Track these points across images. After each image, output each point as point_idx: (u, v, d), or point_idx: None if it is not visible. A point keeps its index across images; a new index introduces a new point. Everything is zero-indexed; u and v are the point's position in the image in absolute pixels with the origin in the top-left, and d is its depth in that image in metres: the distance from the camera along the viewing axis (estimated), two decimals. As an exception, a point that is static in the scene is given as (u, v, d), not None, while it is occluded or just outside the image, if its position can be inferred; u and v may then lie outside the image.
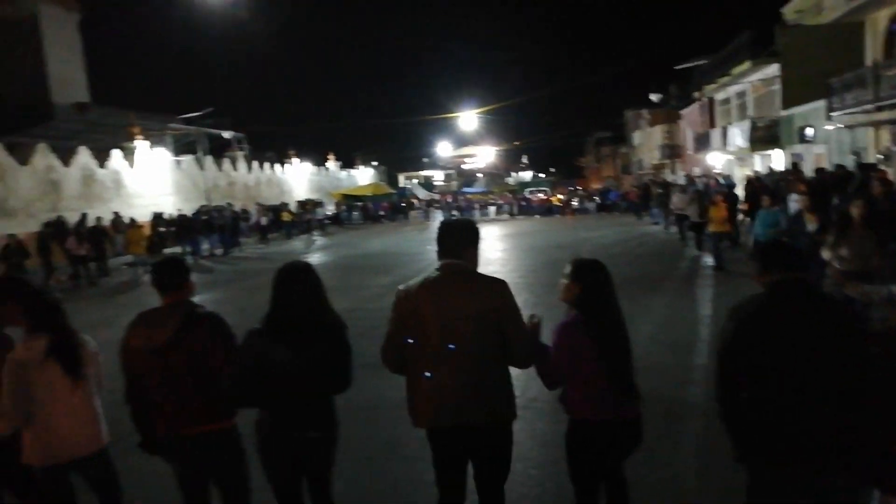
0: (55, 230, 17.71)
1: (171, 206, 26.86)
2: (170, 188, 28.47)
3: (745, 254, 13.33)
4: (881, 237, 6.02)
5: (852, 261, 5.91)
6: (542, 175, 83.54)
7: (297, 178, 43.34)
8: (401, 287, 3.00)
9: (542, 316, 3.03)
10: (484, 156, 76.08)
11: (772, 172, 19.92)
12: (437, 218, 38.77)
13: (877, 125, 16.91)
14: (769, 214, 10.47)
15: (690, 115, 35.91)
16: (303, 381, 2.81)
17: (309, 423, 2.86)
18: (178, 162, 29.79)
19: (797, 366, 2.41)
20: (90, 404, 3.13)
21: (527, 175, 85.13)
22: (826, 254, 6.24)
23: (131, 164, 25.96)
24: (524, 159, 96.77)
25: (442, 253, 2.98)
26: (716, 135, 28.92)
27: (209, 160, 31.90)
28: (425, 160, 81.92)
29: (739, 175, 25.18)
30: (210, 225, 23.23)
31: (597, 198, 37.80)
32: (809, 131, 20.00)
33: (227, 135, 34.04)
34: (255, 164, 37.85)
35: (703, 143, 30.90)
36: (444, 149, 78.37)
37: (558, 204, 36.91)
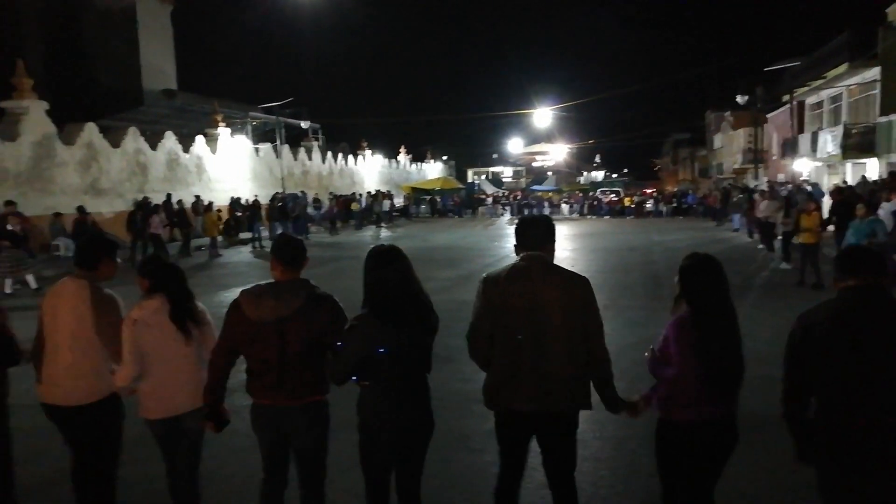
0: (141, 209, 18.60)
1: (248, 191, 27.82)
2: (248, 174, 29.46)
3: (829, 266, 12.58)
4: None
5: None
6: (614, 175, 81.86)
7: (369, 170, 44.05)
8: (486, 274, 3.05)
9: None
10: (556, 153, 75.07)
11: (864, 182, 18.73)
12: (505, 215, 38.64)
13: None
14: (865, 224, 9.83)
15: (777, 119, 34.34)
16: (406, 362, 2.86)
17: (412, 405, 2.91)
18: (257, 149, 30.79)
19: (863, 370, 2.41)
20: (194, 365, 3.30)
21: (599, 175, 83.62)
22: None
23: (213, 150, 26.99)
24: (597, 158, 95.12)
25: (522, 246, 3.03)
26: (804, 140, 27.51)
27: (286, 149, 32.82)
28: (495, 156, 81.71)
29: (828, 183, 23.87)
30: (284, 211, 23.91)
31: (672, 201, 36.70)
32: (910, 139, 18.71)
33: (304, 125, 34.89)
34: (329, 154, 38.69)
35: (790, 148, 29.49)
36: (515, 145, 77.91)
37: (630, 205, 36.04)
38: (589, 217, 36.06)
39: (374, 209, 31.90)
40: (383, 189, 38.58)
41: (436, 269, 14.45)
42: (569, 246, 19.58)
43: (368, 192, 35.67)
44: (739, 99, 31.23)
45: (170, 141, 24.44)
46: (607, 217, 35.37)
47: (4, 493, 3.57)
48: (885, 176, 17.85)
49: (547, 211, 38.36)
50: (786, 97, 30.60)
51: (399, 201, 39.55)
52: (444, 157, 62.44)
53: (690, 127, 60.74)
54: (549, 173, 66.74)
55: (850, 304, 2.51)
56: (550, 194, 47.40)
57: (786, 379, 2.63)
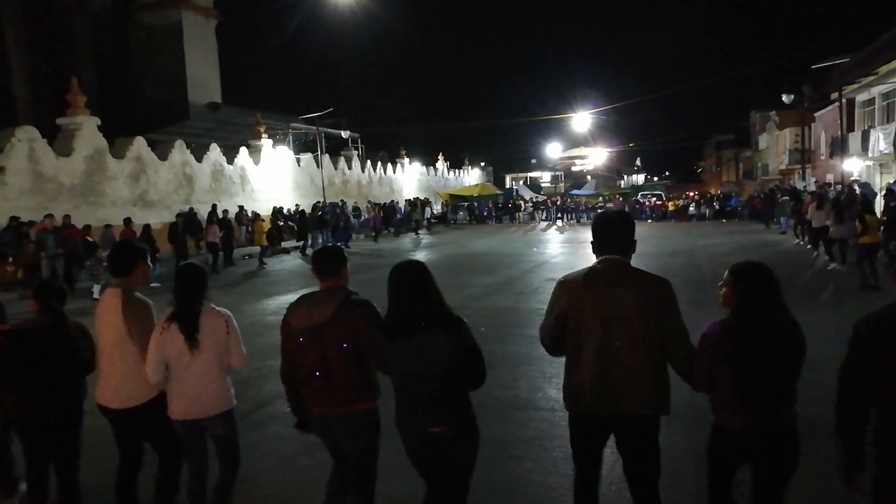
0: (186, 221, 19.13)
1: (290, 201, 28.33)
2: (290, 184, 30.02)
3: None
4: None
5: None
6: (655, 179, 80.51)
7: (407, 178, 44.38)
8: (563, 277, 3.06)
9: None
10: (595, 157, 74.25)
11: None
12: (542, 221, 38.38)
13: None
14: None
15: (826, 118, 33.29)
16: (425, 378, 2.82)
17: (432, 419, 2.85)
18: (298, 160, 31.35)
19: None
20: (211, 370, 3.37)
21: (639, 178, 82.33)
22: None
23: (256, 161, 27.61)
24: (637, 162, 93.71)
25: (600, 248, 3.00)
26: (855, 139, 26.62)
27: (326, 158, 33.33)
28: (533, 161, 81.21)
29: (881, 183, 23.03)
30: (324, 220, 24.28)
31: (715, 204, 35.91)
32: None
33: (343, 134, 35.37)
34: (368, 163, 39.14)
35: (838, 147, 28.52)
36: (553, 150, 77.29)
37: (674, 209, 35.40)
38: (630, 221, 35.56)
39: (412, 217, 32.11)
40: (422, 196, 38.79)
41: (475, 276, 14.45)
42: (609, 251, 19.30)
43: (407, 200, 35.93)
44: (785, 98, 30.37)
45: (214, 153, 25.09)
46: (649, 221, 34.82)
47: (70, 488, 3.74)
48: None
49: (584, 216, 38.00)
50: (834, 95, 29.66)
51: (437, 208, 39.67)
52: (482, 164, 62.38)
53: (734, 128, 59.40)
54: (589, 177, 66.03)
55: None
56: (590, 198, 46.92)
57: (844, 388, 2.52)
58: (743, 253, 17.12)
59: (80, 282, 14.34)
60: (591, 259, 3.12)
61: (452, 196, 42.34)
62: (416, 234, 30.67)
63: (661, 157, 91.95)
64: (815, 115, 34.66)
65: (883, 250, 11.62)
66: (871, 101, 27.52)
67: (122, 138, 21.00)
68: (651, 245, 20.78)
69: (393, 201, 34.31)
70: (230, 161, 25.99)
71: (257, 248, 19.72)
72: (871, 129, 25.03)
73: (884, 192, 16.19)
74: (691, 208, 35.49)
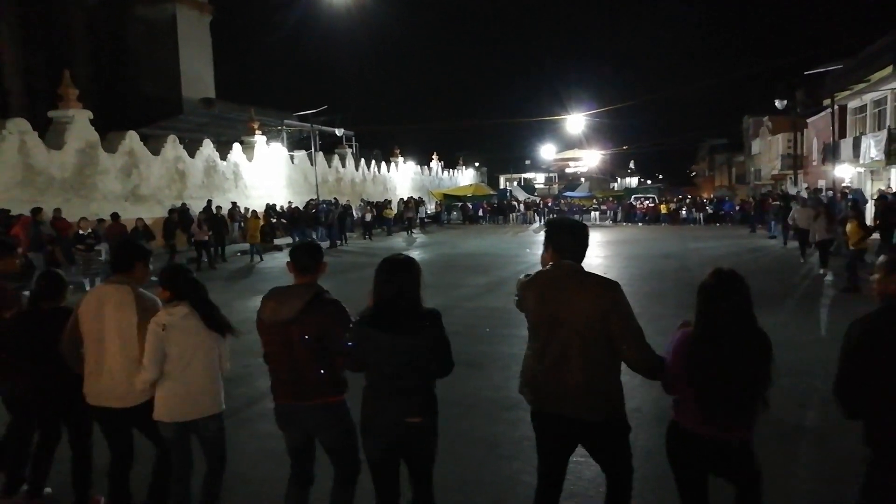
0: (180, 216, 19.04)
1: (283, 198, 28.25)
2: (283, 181, 29.92)
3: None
4: None
5: None
6: (648, 181, 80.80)
7: (401, 177, 44.33)
8: (519, 279, 3.14)
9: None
10: (589, 159, 74.45)
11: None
12: (535, 223, 38.44)
13: None
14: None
15: (818, 124, 33.52)
16: (405, 367, 2.88)
17: (410, 409, 2.91)
18: (292, 157, 31.25)
19: None
20: (213, 372, 3.40)
21: (633, 181, 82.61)
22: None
23: (249, 158, 27.50)
24: (631, 164, 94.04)
25: (559, 253, 3.03)
26: (846, 145, 26.80)
27: (320, 156, 33.24)
28: (527, 162, 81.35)
29: (871, 189, 23.20)
30: (317, 218, 24.20)
31: (708, 207, 36.05)
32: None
33: (338, 132, 35.28)
34: (362, 161, 39.06)
35: (830, 153, 28.73)
36: (547, 151, 77.45)
37: (667, 212, 35.51)
38: (623, 224, 35.66)
39: (405, 216, 32.09)
40: (415, 196, 38.75)
41: (466, 276, 14.45)
42: (601, 253, 19.39)
43: (401, 199, 35.87)
44: (778, 103, 30.55)
45: (208, 148, 24.98)
46: (641, 224, 34.95)
47: (84, 481, 3.78)
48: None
49: (577, 217, 38.07)
50: (827, 101, 29.85)
51: (431, 208, 39.63)
52: (476, 164, 62.43)
53: (727, 132, 59.77)
54: (583, 179, 66.18)
55: None
56: (583, 200, 47.00)
57: (845, 403, 2.52)
58: (735, 257, 17.21)
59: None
60: (586, 261, 3.09)
61: (446, 196, 42.31)
62: (409, 233, 30.65)
63: (654, 161, 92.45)
64: (808, 120, 34.88)
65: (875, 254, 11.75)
66: (862, 108, 27.71)
67: (114, 132, 20.86)
68: (643, 247, 20.85)
69: (387, 200, 34.23)
70: (223, 157, 25.87)
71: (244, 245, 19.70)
72: (863, 136, 25.19)
73: (875, 198, 16.29)
74: (682, 211, 35.64)
